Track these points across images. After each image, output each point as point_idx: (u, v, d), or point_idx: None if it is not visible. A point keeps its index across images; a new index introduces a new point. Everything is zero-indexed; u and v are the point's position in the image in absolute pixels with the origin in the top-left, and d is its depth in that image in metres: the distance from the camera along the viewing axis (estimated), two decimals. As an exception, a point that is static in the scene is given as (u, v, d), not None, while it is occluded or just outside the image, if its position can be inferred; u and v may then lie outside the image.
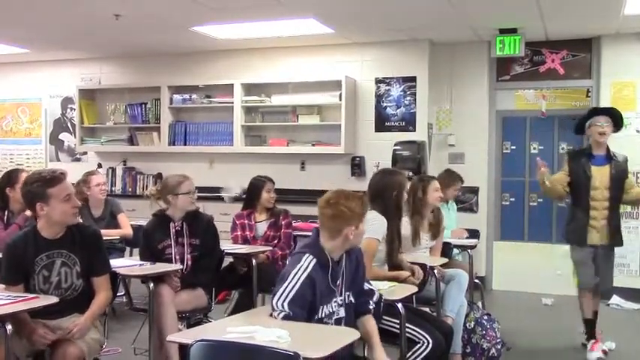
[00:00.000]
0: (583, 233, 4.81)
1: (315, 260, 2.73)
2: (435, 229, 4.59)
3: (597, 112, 5.02)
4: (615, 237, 4.86)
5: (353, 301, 2.91)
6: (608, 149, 4.86)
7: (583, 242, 4.82)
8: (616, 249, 4.94)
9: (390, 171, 4.24)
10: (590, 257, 4.82)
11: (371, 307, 2.97)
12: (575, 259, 4.91)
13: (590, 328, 4.86)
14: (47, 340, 3.06)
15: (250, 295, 4.65)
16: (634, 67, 6.58)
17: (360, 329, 2.86)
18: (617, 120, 4.90)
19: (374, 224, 3.71)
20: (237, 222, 5.12)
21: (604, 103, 6.52)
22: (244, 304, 4.53)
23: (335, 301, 2.82)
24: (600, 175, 4.78)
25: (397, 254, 3.88)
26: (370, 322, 2.97)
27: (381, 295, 3.08)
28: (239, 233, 5.07)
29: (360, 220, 2.85)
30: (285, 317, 2.61)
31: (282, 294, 2.64)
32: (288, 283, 2.65)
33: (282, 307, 2.62)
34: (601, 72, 6.73)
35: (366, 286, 3.00)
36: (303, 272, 2.68)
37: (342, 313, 2.84)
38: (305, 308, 2.66)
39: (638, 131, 6.56)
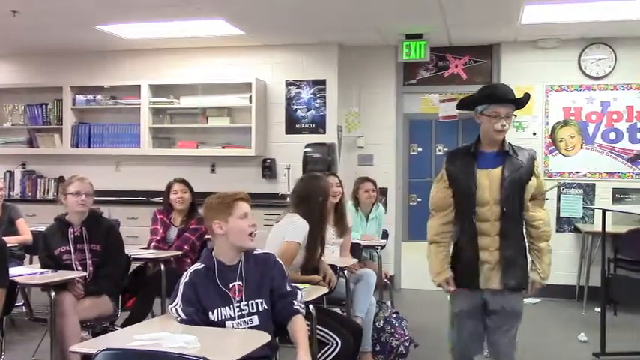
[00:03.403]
0: (474, 271, 3.18)
1: (201, 265, 2.83)
2: (341, 225, 4.62)
3: (498, 99, 3.17)
4: (509, 275, 3.15)
5: (267, 307, 2.84)
6: (503, 143, 3.23)
7: (475, 284, 3.20)
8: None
9: (315, 176, 4.17)
10: (478, 309, 3.24)
11: (297, 307, 2.89)
12: (453, 311, 3.32)
13: None
14: None
15: (148, 301, 4.52)
16: (530, 72, 6.91)
17: (289, 332, 2.85)
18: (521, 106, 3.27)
19: (294, 227, 3.70)
20: (158, 216, 5.04)
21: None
22: (142, 310, 4.40)
23: (237, 307, 2.78)
24: (490, 183, 3.17)
25: (316, 261, 3.80)
26: (296, 323, 2.85)
27: None
28: (158, 227, 4.99)
29: (227, 214, 2.80)
30: (182, 321, 2.67)
31: (172, 301, 2.75)
32: (175, 290, 2.76)
33: (177, 312, 2.70)
34: (501, 77, 7.02)
35: (287, 287, 2.92)
36: (186, 277, 2.78)
37: (255, 321, 2.80)
38: (195, 307, 2.71)
39: (534, 134, 6.89)
